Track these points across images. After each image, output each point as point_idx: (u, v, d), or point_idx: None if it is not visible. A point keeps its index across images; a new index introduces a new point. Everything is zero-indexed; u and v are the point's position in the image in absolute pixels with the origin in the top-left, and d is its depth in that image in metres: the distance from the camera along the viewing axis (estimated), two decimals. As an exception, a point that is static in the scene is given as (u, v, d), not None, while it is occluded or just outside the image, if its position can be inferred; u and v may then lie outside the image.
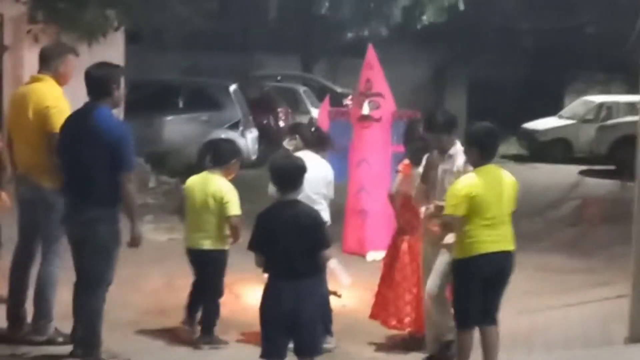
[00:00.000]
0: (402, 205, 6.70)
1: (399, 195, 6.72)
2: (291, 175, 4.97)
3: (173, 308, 7.32)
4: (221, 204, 6.21)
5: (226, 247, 6.35)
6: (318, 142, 6.62)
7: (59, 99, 5.83)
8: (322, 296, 5.13)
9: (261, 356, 4.98)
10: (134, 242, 5.62)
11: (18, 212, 6.05)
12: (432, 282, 6.03)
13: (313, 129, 6.85)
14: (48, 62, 5.94)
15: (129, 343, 6.30)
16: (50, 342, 5.89)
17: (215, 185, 6.28)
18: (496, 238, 5.44)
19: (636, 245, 5.96)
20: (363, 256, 9.59)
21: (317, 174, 6.15)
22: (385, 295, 6.75)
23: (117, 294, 7.43)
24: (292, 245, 4.84)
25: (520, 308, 7.79)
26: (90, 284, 5.57)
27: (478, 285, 5.45)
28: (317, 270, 4.97)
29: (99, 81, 5.53)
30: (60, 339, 5.89)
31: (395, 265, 6.70)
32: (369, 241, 9.82)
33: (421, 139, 6.78)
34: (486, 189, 5.40)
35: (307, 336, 4.93)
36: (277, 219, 4.92)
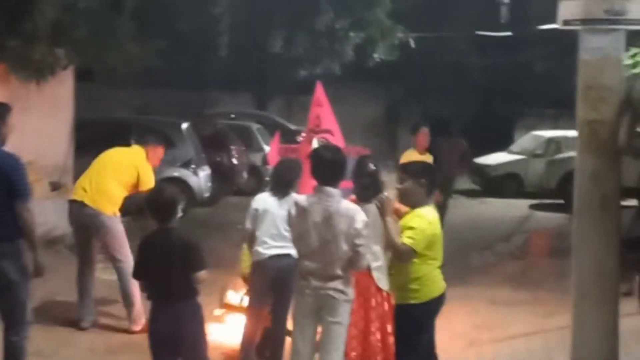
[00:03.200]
0: None
1: None
2: (165, 207, 5.20)
3: (120, 347, 7.31)
4: None
5: None
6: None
7: None
8: (201, 319, 5.26)
9: None
10: (37, 272, 5.64)
11: None
12: None
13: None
14: None
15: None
16: None
17: None
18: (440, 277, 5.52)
19: (575, 277, 6.08)
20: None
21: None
22: None
23: (64, 333, 7.46)
24: (166, 269, 5.08)
25: (468, 341, 7.90)
26: (9, 321, 5.56)
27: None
28: (193, 292, 5.16)
29: None
30: None
31: None
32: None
33: (370, 175, 6.87)
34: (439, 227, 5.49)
35: (192, 355, 5.17)
36: (153, 245, 5.19)
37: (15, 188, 5.48)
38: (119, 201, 7.76)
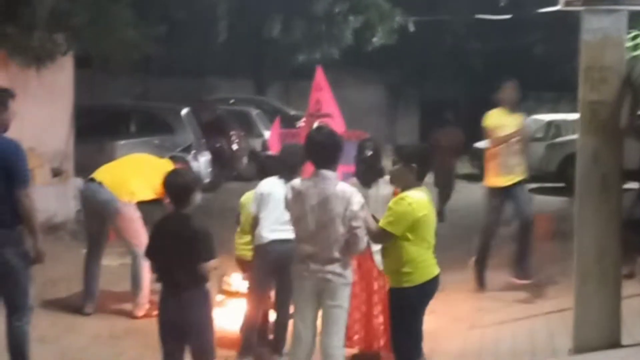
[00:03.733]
0: None
1: None
2: (180, 191, 5.19)
3: (124, 332, 7.33)
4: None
5: None
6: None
7: None
8: (209, 307, 5.26)
9: None
10: (37, 258, 5.64)
11: None
12: None
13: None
14: None
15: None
16: None
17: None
18: (433, 261, 5.50)
19: (577, 259, 6.10)
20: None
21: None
22: None
23: (68, 319, 7.48)
24: (174, 257, 5.07)
25: (470, 324, 7.92)
26: (10, 309, 5.60)
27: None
28: (199, 282, 5.13)
29: None
30: None
31: None
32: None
33: (371, 159, 6.88)
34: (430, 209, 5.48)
35: (197, 347, 5.17)
36: (166, 229, 5.19)
37: (15, 174, 5.47)
38: (138, 196, 7.74)
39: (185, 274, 5.08)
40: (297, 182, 5.39)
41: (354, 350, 6.75)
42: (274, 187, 6.38)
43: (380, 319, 6.68)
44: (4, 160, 5.48)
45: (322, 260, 5.23)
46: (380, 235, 5.37)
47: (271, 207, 6.32)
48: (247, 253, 6.73)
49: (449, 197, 14.24)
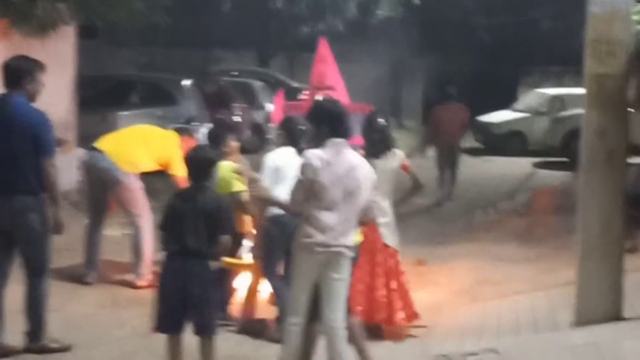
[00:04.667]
0: None
1: None
2: (202, 164, 5.33)
3: (127, 301, 7.36)
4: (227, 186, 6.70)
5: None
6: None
7: None
8: (213, 277, 5.31)
9: (155, 330, 5.31)
10: (57, 229, 5.79)
11: None
12: None
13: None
14: None
15: (83, 335, 6.34)
16: None
17: (222, 171, 6.67)
18: None
19: (581, 234, 6.10)
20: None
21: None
22: None
23: (70, 288, 7.51)
24: (192, 225, 5.13)
25: (472, 297, 7.94)
26: (32, 273, 5.76)
27: None
28: (210, 253, 5.21)
29: (11, 73, 5.76)
30: None
31: None
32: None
33: (380, 130, 6.85)
34: None
35: (199, 315, 5.20)
36: (184, 199, 5.27)
37: (41, 144, 5.62)
38: (140, 166, 7.74)
39: (199, 245, 5.13)
40: (320, 151, 5.24)
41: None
42: (288, 159, 6.31)
43: (383, 291, 6.69)
44: (32, 129, 5.62)
45: (342, 230, 5.17)
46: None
47: (288, 179, 6.26)
48: None
49: (455, 176, 13.44)
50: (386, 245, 6.74)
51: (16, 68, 5.77)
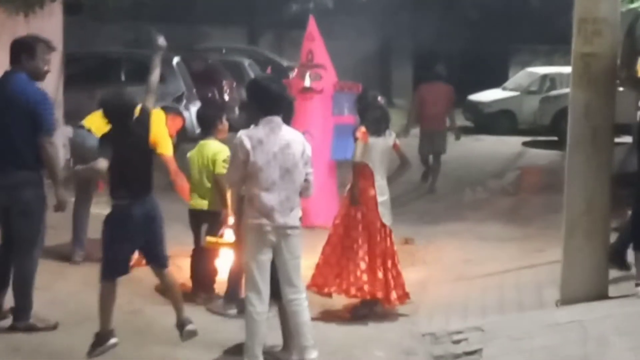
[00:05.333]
0: (359, 173, 6.68)
1: (361, 163, 6.67)
2: (121, 108, 5.58)
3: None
4: (212, 165, 6.84)
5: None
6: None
7: None
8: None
9: (105, 278, 5.66)
10: (59, 206, 5.89)
11: None
12: None
13: None
14: None
15: (69, 313, 6.35)
16: None
17: (209, 150, 6.88)
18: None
19: (566, 212, 6.11)
20: (306, 227, 9.61)
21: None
22: (335, 265, 6.74)
23: (57, 267, 7.49)
24: (138, 165, 5.52)
25: (457, 275, 7.96)
26: (21, 247, 5.79)
27: None
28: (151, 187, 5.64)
29: (12, 50, 5.83)
30: None
31: (351, 234, 6.71)
32: (311, 212, 9.85)
33: (380, 108, 6.82)
34: None
35: (157, 247, 5.69)
36: (122, 142, 5.52)
37: (40, 122, 5.69)
38: None
39: (148, 182, 5.56)
40: (252, 130, 5.20)
41: (356, 300, 6.78)
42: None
43: (381, 271, 6.67)
44: (30, 106, 5.68)
45: (285, 210, 5.15)
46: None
47: None
48: (202, 203, 6.91)
49: (438, 167, 12.49)
50: (384, 225, 6.74)
51: (17, 45, 5.86)
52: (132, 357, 5.66)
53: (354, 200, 6.69)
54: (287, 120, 5.39)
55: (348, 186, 6.81)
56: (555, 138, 17.27)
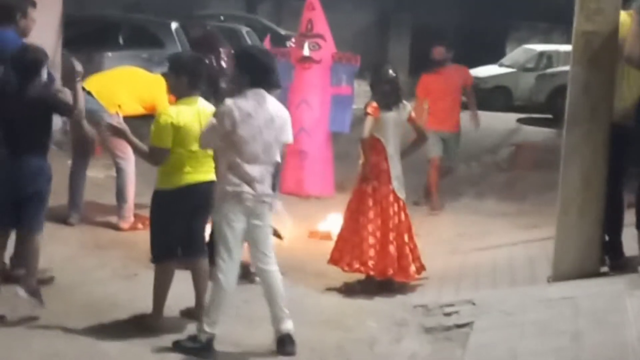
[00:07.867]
0: (371, 148, 6.67)
1: (370, 138, 6.64)
2: (29, 64, 5.58)
3: (109, 242, 7.39)
4: None
5: None
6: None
7: None
8: (48, 176, 5.67)
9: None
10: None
11: None
12: None
13: None
14: None
15: (65, 276, 6.36)
16: None
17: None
18: (201, 169, 5.47)
19: (561, 189, 6.15)
20: (301, 197, 9.69)
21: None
22: (348, 239, 6.74)
23: (53, 229, 7.51)
24: (19, 122, 5.49)
25: (451, 249, 8.01)
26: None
27: (181, 216, 5.46)
28: (43, 148, 5.62)
29: (3, 8, 5.98)
30: None
31: (361, 208, 6.71)
32: (307, 182, 9.91)
33: (391, 81, 6.77)
34: (192, 119, 5.41)
35: (30, 211, 5.57)
36: (10, 97, 5.52)
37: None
38: (126, 109, 7.52)
39: (29, 139, 5.51)
40: (241, 101, 5.13)
41: (366, 276, 6.75)
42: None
43: (395, 245, 6.69)
44: None
45: (265, 179, 5.15)
46: (153, 154, 5.41)
47: None
48: None
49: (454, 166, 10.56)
50: (398, 198, 6.75)
51: (8, 4, 5.99)
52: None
53: (364, 176, 6.70)
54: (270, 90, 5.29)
55: (360, 161, 6.80)
56: (550, 116, 17.31)
